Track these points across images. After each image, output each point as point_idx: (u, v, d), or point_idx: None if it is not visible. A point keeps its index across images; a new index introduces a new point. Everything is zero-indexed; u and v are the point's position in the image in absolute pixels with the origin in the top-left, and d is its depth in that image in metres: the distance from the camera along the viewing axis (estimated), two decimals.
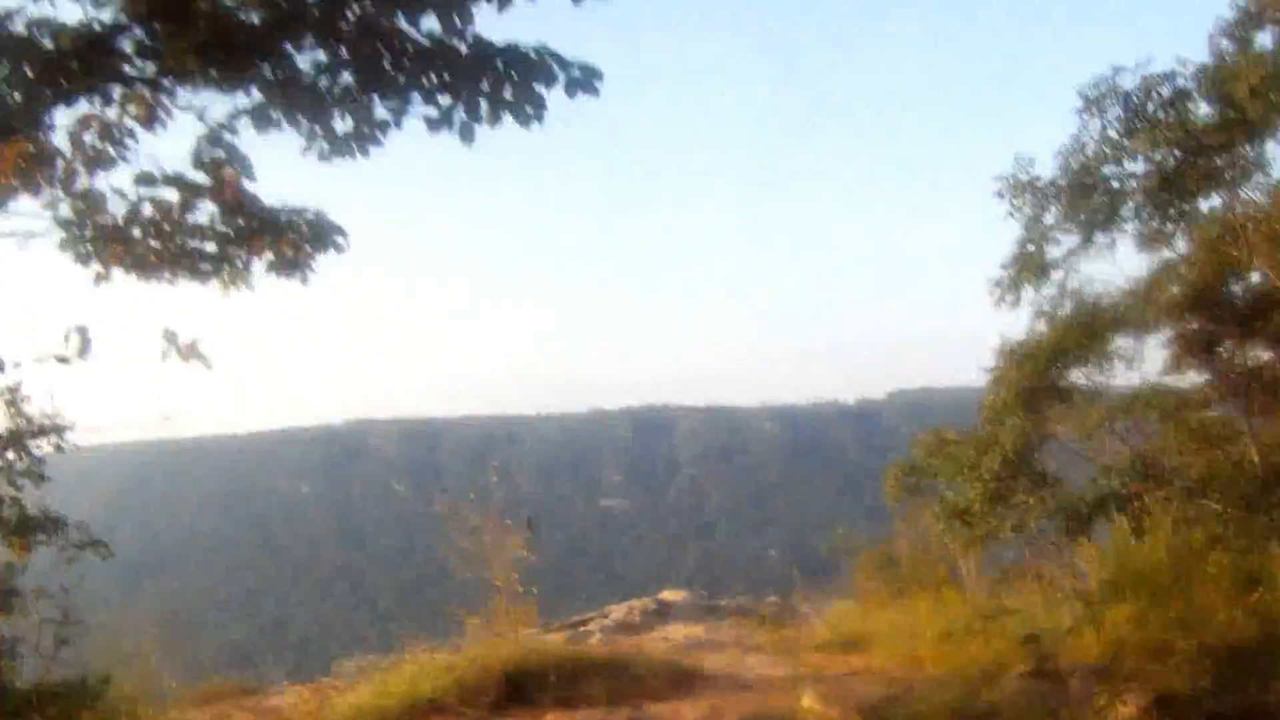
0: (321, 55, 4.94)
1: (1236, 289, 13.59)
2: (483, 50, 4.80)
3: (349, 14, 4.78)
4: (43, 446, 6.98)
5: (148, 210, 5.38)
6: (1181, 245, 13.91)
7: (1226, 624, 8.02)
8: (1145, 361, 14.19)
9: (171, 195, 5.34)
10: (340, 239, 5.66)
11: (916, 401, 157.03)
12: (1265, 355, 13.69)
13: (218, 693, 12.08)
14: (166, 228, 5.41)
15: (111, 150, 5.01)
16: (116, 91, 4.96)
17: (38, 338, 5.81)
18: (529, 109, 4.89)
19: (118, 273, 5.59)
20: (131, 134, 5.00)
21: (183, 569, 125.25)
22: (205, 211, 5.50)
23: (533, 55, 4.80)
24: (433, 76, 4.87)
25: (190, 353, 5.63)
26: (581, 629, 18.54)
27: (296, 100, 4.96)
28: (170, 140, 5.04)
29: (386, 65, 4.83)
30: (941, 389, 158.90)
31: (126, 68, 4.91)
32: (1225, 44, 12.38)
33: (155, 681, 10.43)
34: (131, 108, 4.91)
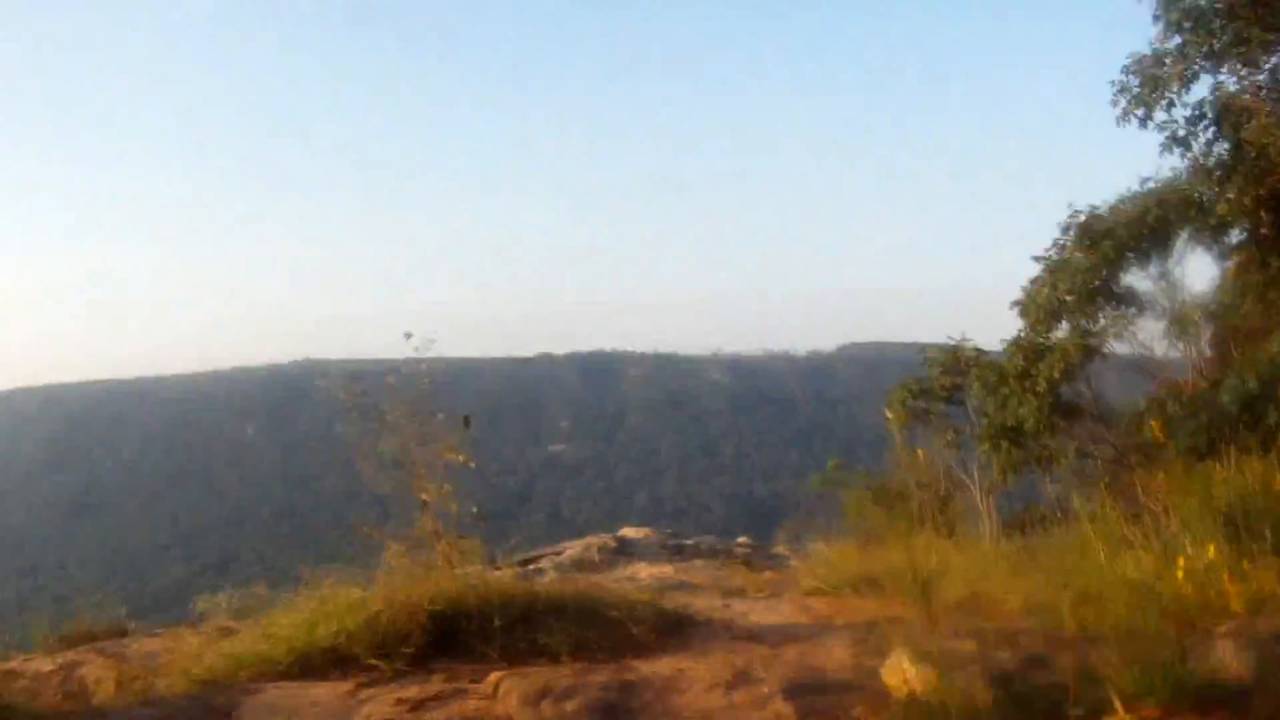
0: None
1: None
2: None
3: None
4: None
5: None
6: None
7: None
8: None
9: None
10: None
11: (868, 356, 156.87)
12: None
13: (87, 635, 9.94)
14: None
15: None
16: None
17: None
18: None
19: None
20: None
21: (124, 510, 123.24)
22: None
23: None
24: None
25: None
26: (532, 567, 16.23)
27: None
28: None
29: None
30: (894, 343, 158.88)
31: None
32: None
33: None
34: None
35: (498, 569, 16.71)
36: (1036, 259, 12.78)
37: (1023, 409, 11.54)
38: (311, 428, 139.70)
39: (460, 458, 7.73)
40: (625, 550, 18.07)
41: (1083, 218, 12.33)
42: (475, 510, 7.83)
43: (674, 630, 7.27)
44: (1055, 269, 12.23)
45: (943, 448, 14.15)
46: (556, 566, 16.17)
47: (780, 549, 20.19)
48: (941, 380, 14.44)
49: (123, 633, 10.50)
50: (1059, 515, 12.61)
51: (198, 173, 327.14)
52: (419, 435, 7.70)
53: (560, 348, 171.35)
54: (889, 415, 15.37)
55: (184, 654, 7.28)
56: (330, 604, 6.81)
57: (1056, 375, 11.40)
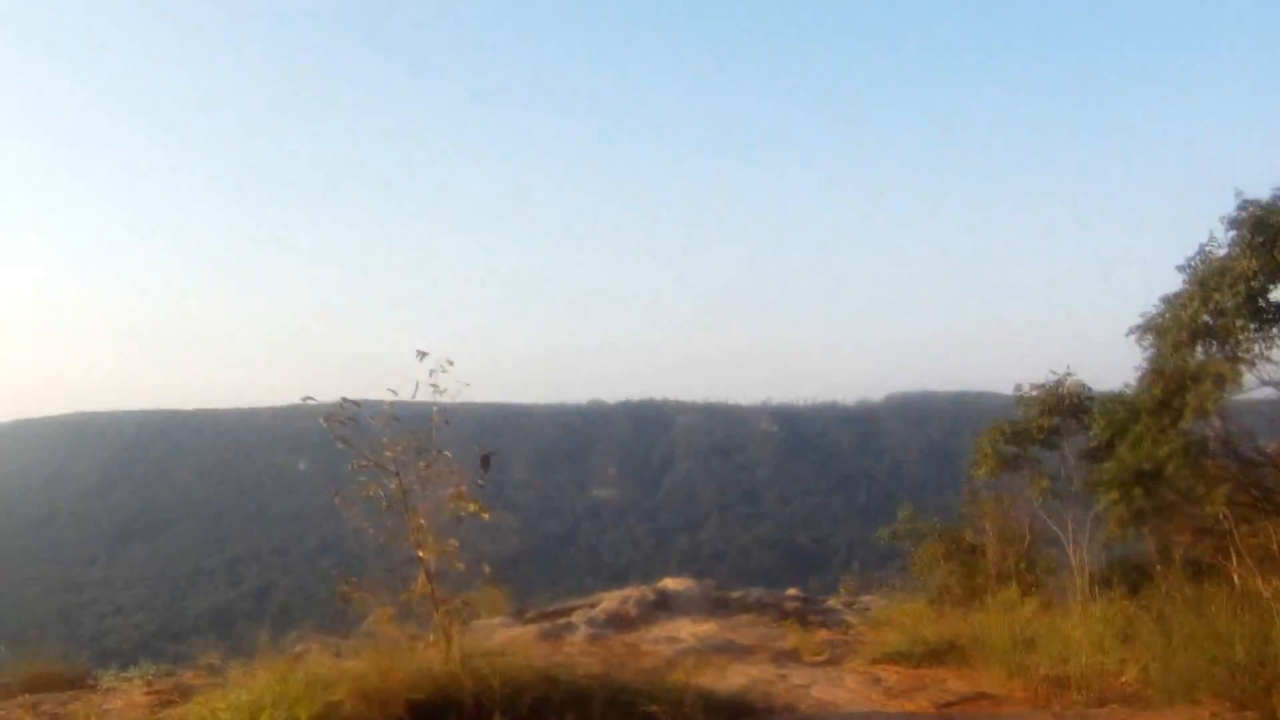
0: None
1: None
2: None
3: None
4: None
5: None
6: None
7: None
8: None
9: None
10: None
11: (914, 405, 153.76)
12: None
13: (45, 680, 9.01)
14: None
15: None
16: None
17: None
18: None
19: None
20: None
21: (173, 534, 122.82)
22: None
23: None
24: None
25: None
26: (562, 621, 14.49)
27: None
28: None
29: None
30: (940, 393, 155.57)
31: None
32: None
33: None
34: None
35: (524, 623, 15.10)
36: (1181, 268, 10.67)
37: (1163, 449, 9.56)
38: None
39: (472, 507, 6.15)
40: (665, 604, 16.24)
41: (1254, 209, 9.73)
42: (487, 569, 6.21)
43: None
44: (1209, 277, 10.02)
45: (1036, 496, 12.43)
46: (589, 621, 14.48)
47: (834, 603, 18.31)
48: (1039, 421, 12.61)
49: (81, 682, 9.30)
50: (1165, 571, 10.76)
51: (268, 210, 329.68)
52: (422, 479, 6.16)
53: (612, 395, 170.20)
54: (979, 459, 13.70)
55: None
56: (286, 684, 5.18)
57: (1209, 407, 9.39)
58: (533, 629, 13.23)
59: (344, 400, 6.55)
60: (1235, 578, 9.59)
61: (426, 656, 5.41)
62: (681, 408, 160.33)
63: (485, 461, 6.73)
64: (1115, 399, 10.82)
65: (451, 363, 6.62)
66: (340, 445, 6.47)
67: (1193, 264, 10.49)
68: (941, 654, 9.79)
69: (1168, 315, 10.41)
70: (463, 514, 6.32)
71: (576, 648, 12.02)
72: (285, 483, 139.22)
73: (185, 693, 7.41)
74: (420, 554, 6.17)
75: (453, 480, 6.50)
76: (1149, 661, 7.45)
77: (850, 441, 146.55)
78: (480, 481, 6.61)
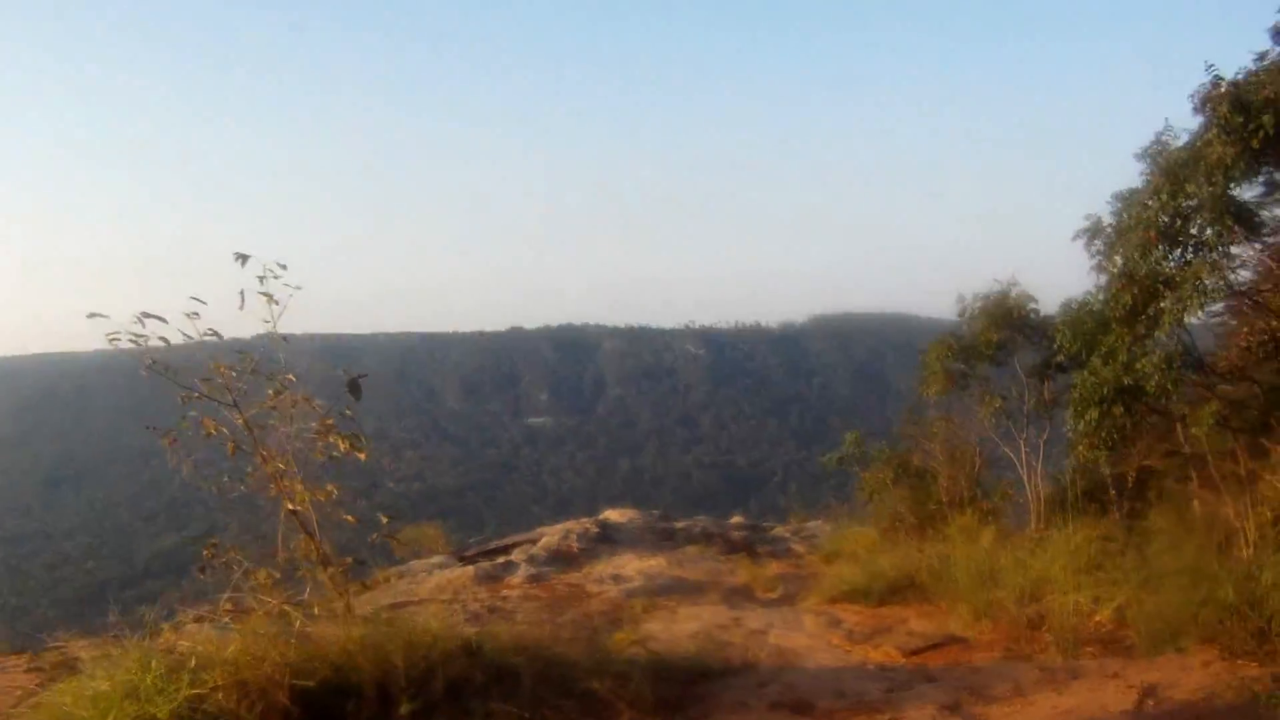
0: None
1: None
2: None
3: None
4: None
5: None
6: None
7: None
8: None
9: None
10: None
11: (837, 327, 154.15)
12: None
13: None
14: None
15: None
16: None
17: None
18: None
19: None
20: None
21: (104, 480, 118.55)
22: None
23: None
24: None
25: None
26: (502, 560, 13.65)
27: None
28: None
29: None
30: (860, 314, 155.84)
31: None
32: None
33: None
34: None
35: (463, 563, 14.09)
36: (1139, 156, 9.49)
37: (1143, 362, 8.43)
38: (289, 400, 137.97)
39: (344, 445, 5.07)
40: (609, 536, 15.66)
41: (1228, 86, 8.22)
42: (386, 520, 5.19)
43: (681, 704, 4.67)
44: (1176, 168, 8.67)
45: (987, 416, 11.62)
46: (530, 559, 13.71)
47: (781, 531, 17.62)
48: (987, 335, 11.65)
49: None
50: (1127, 495, 10.09)
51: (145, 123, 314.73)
52: (281, 414, 5.03)
53: (529, 321, 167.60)
54: (926, 378, 12.41)
55: None
56: (150, 670, 4.19)
57: (1187, 315, 8.18)
58: (470, 570, 12.37)
59: (142, 314, 5.13)
60: (1196, 503, 8.94)
61: (317, 632, 4.41)
62: (605, 332, 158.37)
63: (354, 387, 5.41)
64: (1081, 307, 10.03)
65: (284, 267, 5.27)
66: (144, 373, 5.21)
67: (1150, 153, 9.39)
68: (901, 590, 9.18)
69: (1126, 215, 9.34)
70: (335, 454, 5.18)
71: (516, 590, 11.15)
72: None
73: (72, 669, 6.39)
74: (290, 507, 5.10)
75: (314, 414, 5.35)
76: (1125, 600, 6.79)
77: (778, 364, 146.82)
78: (349, 412, 5.44)
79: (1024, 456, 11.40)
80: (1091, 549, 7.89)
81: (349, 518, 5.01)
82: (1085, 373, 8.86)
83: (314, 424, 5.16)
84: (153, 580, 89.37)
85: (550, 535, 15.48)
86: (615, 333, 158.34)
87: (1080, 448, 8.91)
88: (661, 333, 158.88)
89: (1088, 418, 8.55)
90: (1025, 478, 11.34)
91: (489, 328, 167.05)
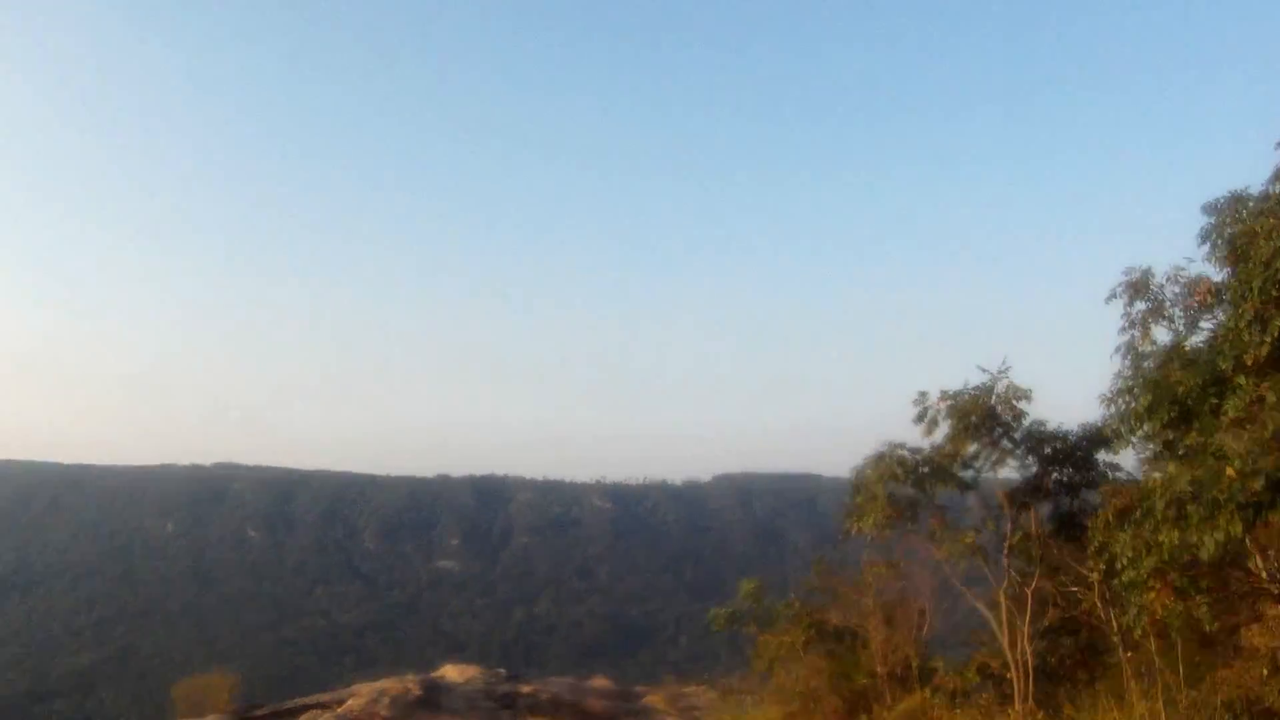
0: None
1: None
2: None
3: None
4: None
5: None
6: None
7: None
8: None
9: None
10: None
11: (740, 485, 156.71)
12: None
13: None
14: None
15: None
16: None
17: None
18: None
19: None
20: None
21: (49, 592, 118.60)
22: None
23: None
24: None
25: None
26: None
27: None
28: None
29: None
30: (763, 474, 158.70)
31: None
32: None
33: None
34: None
35: None
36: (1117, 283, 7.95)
37: (1209, 536, 6.08)
38: (224, 532, 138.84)
39: None
40: (433, 701, 13.44)
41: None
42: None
43: None
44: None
45: (957, 555, 8.93)
46: None
47: (655, 700, 15.29)
48: (959, 445, 8.70)
49: None
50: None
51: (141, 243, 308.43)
52: None
53: (457, 470, 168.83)
54: (861, 509, 9.11)
55: None
56: None
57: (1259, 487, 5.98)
58: None
59: None
60: None
61: None
62: (522, 484, 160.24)
63: None
64: (1179, 355, 7.14)
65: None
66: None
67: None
68: None
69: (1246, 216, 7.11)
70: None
71: None
72: (152, 545, 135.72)
73: None
74: None
75: None
76: None
77: (676, 519, 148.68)
78: None
79: (1004, 613, 8.78)
80: None
81: None
82: (1164, 475, 6.21)
83: None
84: (61, 699, 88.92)
85: (359, 697, 13.39)
86: (530, 484, 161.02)
87: (1151, 594, 6.16)
88: (574, 486, 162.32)
89: (1150, 597, 6.01)
90: (1005, 641, 8.72)
91: (420, 473, 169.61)
